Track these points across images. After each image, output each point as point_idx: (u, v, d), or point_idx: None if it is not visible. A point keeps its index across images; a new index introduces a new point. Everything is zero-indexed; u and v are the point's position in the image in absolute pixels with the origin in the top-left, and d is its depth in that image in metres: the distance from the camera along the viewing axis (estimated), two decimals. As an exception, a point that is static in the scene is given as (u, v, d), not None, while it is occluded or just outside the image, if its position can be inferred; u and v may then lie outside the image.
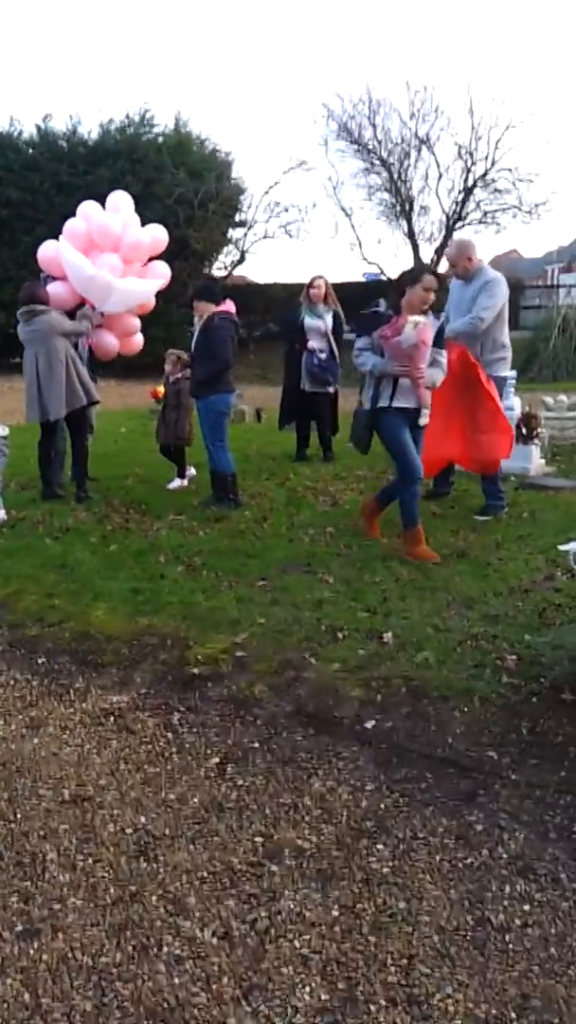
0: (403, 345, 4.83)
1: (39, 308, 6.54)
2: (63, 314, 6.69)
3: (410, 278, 4.98)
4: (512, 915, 2.19)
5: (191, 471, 7.32)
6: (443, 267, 23.83)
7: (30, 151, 22.29)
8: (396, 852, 2.45)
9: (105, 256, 6.94)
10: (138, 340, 7.59)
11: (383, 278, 24.44)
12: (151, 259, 7.41)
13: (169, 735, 3.17)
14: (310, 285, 8.24)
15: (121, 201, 7.38)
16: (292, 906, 2.24)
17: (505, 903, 2.23)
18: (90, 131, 22.88)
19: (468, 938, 2.11)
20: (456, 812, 2.63)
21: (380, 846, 2.48)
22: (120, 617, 4.25)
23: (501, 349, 6.00)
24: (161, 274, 7.37)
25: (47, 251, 7.10)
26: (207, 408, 6.41)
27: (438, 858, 2.43)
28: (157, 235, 7.43)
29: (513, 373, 7.75)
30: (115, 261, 6.97)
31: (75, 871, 2.41)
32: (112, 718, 3.32)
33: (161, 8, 56.24)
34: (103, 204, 7.33)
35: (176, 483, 7.22)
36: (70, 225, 7.12)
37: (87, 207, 7.28)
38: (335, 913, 2.21)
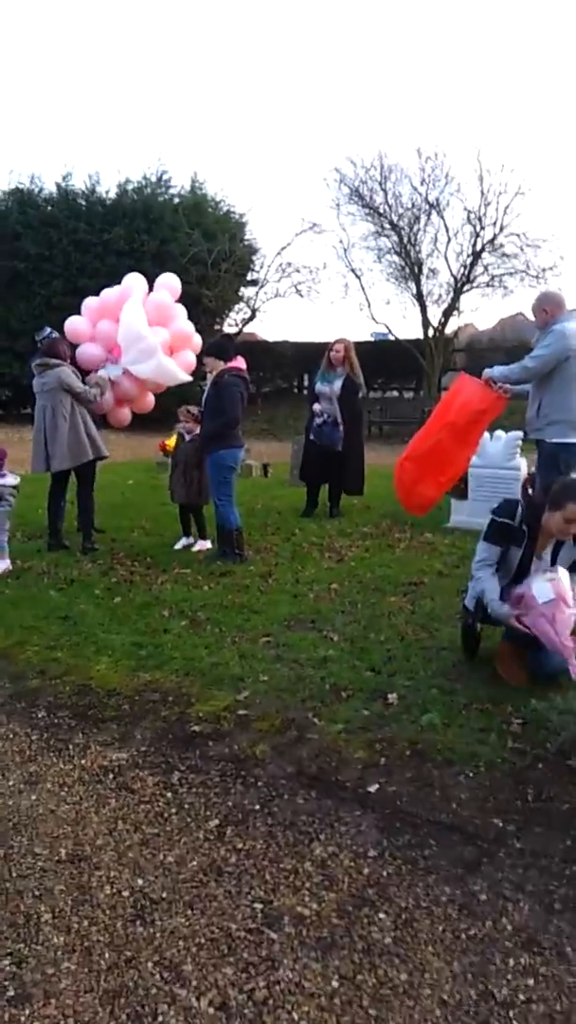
0: (538, 601, 3.72)
1: (52, 362, 6.67)
2: (76, 372, 6.82)
3: (550, 500, 3.83)
4: (516, 990, 2.13)
5: (207, 543, 7.03)
6: (450, 328, 24.22)
7: (49, 208, 22.93)
8: (398, 921, 2.40)
9: (157, 328, 7.22)
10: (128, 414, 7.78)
11: (391, 337, 24.79)
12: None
13: (168, 795, 3.12)
14: (330, 348, 8.37)
15: (175, 284, 7.71)
16: (291, 976, 2.18)
17: (509, 977, 2.18)
18: (108, 190, 23.59)
19: (471, 1013, 2.05)
20: (460, 881, 2.58)
21: (382, 915, 2.43)
22: (122, 671, 4.22)
23: (566, 412, 5.30)
24: (190, 367, 7.60)
25: (90, 302, 7.55)
26: (215, 463, 6.46)
27: (441, 928, 2.37)
28: (196, 336, 7.76)
29: (520, 433, 7.82)
30: (165, 335, 7.28)
31: (70, 934, 2.35)
32: (111, 775, 3.27)
33: (182, 72, 58.21)
34: (122, 263, 7.61)
35: (200, 544, 7.02)
36: (136, 286, 7.33)
37: (170, 280, 7.69)
38: (335, 984, 2.16)
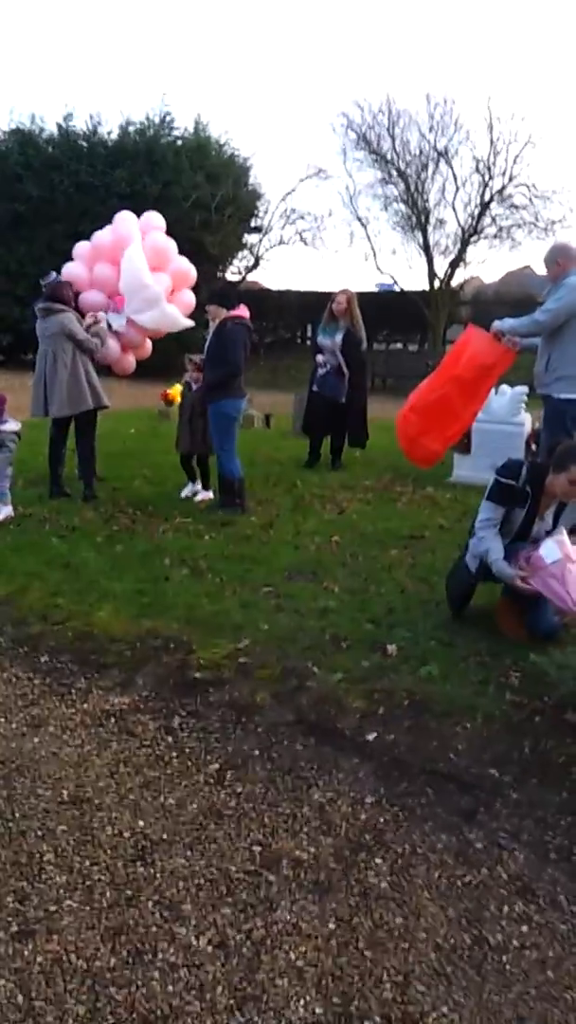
0: (546, 561, 3.68)
1: (56, 307, 6.58)
2: (79, 318, 6.73)
3: (554, 462, 3.80)
4: (510, 936, 2.17)
5: (209, 494, 6.99)
6: (456, 280, 23.89)
7: (51, 149, 22.43)
8: (394, 867, 2.44)
9: (159, 275, 7.11)
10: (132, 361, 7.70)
11: (396, 288, 24.47)
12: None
13: (169, 739, 3.16)
14: (332, 299, 8.24)
15: (160, 223, 7.59)
16: (288, 917, 2.23)
17: (503, 923, 2.22)
18: (110, 132, 23.05)
19: (465, 957, 2.10)
20: (456, 829, 2.62)
21: (378, 860, 2.47)
22: (124, 618, 4.24)
23: (571, 365, 5.24)
24: (190, 306, 7.53)
25: (81, 248, 7.42)
26: (217, 412, 6.40)
27: (437, 875, 2.41)
28: (191, 270, 7.66)
29: (525, 388, 7.75)
30: (167, 282, 7.18)
31: (72, 873, 2.40)
32: (113, 720, 3.31)
33: (186, 11, 56.47)
34: (124, 207, 7.46)
35: (202, 495, 6.98)
36: (129, 229, 7.19)
37: (154, 218, 7.49)
38: (331, 926, 2.20)
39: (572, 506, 3.91)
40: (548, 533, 3.89)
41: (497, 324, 5.22)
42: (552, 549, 3.67)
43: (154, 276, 6.98)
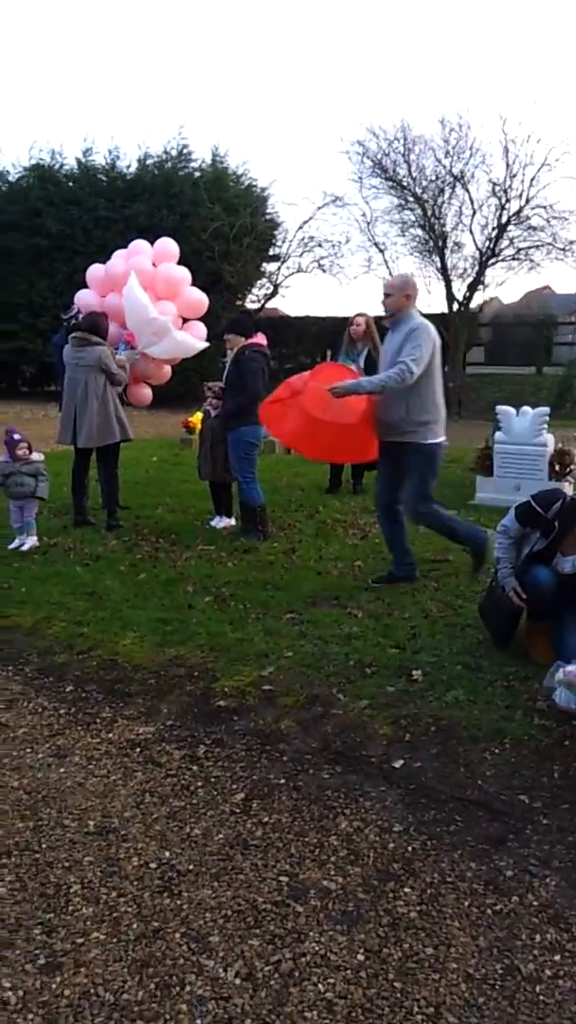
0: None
1: (93, 339, 6.67)
2: (113, 353, 6.85)
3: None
4: (542, 965, 2.13)
5: (231, 520, 7.00)
6: (475, 302, 23.92)
7: (70, 184, 22.85)
8: (424, 896, 2.41)
9: (164, 304, 7.20)
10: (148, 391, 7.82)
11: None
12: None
13: (194, 768, 3.15)
14: (350, 323, 8.27)
15: (174, 250, 7.69)
16: (317, 948, 2.20)
17: (535, 952, 2.18)
18: (128, 165, 23.40)
19: (497, 987, 2.06)
20: (485, 857, 2.58)
21: (407, 889, 2.44)
22: (148, 647, 4.25)
23: (432, 410, 4.92)
24: (202, 336, 7.62)
25: (95, 273, 7.55)
26: (237, 440, 6.44)
27: (467, 904, 2.38)
28: (203, 300, 7.74)
29: (547, 409, 7.72)
30: (172, 309, 7.27)
31: (99, 904, 2.39)
32: (138, 749, 3.31)
33: (203, 44, 57.67)
34: (141, 238, 7.59)
35: (224, 522, 6.97)
36: (135, 260, 7.32)
37: (168, 246, 7.62)
38: (361, 957, 2.17)
39: None
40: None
41: (343, 385, 4.90)
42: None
43: (159, 305, 7.06)
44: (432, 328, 4.91)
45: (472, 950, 2.19)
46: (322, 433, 5.12)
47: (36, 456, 6.35)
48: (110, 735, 3.44)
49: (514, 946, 2.20)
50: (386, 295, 5.01)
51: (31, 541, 6.30)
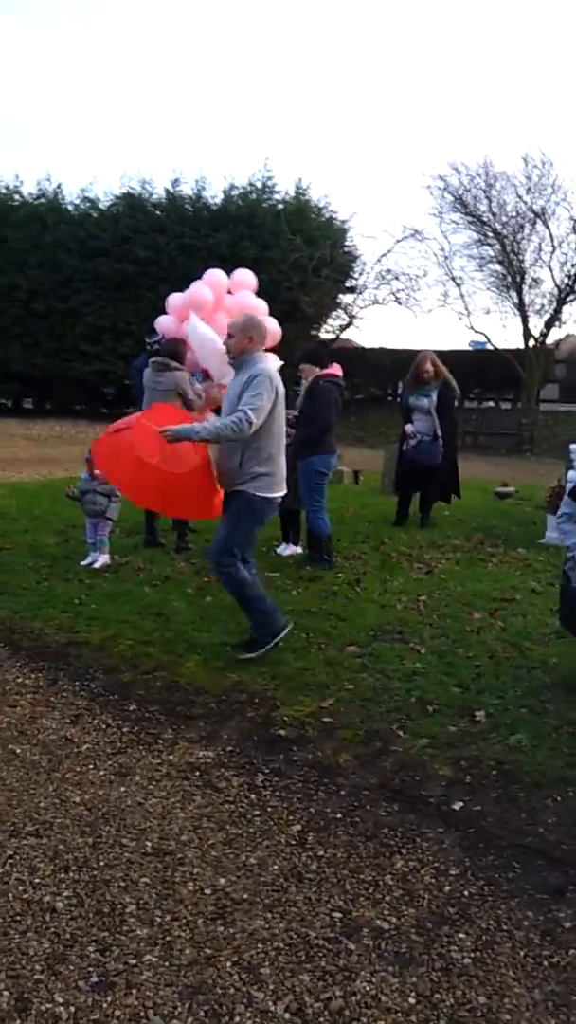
0: None
1: (173, 364, 6.83)
2: (192, 379, 7.00)
3: None
4: (600, 1027, 2.07)
5: (298, 548, 7.06)
6: (551, 339, 23.66)
7: (158, 213, 23.59)
8: (478, 943, 2.36)
9: None
10: None
11: (489, 347, 24.38)
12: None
13: (252, 796, 3.16)
14: (418, 367, 8.21)
15: (251, 281, 7.82)
16: (368, 988, 2.18)
17: (593, 1012, 2.12)
18: (214, 195, 24.08)
19: (552, 1046, 2.01)
20: (543, 906, 2.52)
21: (462, 935, 2.40)
22: (211, 670, 4.29)
23: (266, 464, 4.41)
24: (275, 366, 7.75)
25: (173, 302, 7.81)
26: (308, 469, 6.49)
27: (522, 954, 2.32)
28: (277, 330, 7.84)
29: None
30: None
31: (153, 927, 2.41)
32: (197, 773, 3.33)
33: (293, 79, 58.98)
34: (224, 268, 7.80)
35: (291, 549, 7.05)
36: (215, 289, 7.50)
37: (245, 277, 7.79)
38: (412, 1000, 2.14)
39: None
40: None
41: (176, 430, 4.33)
42: None
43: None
44: (275, 374, 4.45)
45: (527, 1002, 2.14)
46: (147, 479, 4.44)
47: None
48: (171, 756, 3.47)
49: (571, 1001, 2.14)
50: (228, 336, 4.56)
51: (103, 559, 6.45)
